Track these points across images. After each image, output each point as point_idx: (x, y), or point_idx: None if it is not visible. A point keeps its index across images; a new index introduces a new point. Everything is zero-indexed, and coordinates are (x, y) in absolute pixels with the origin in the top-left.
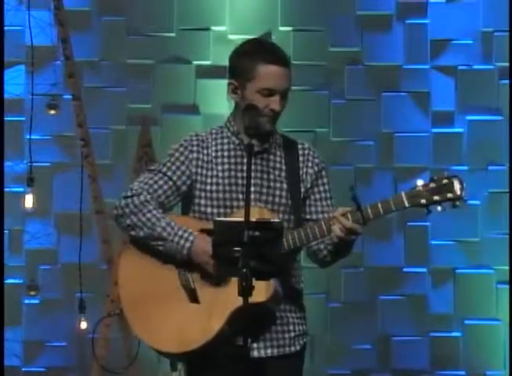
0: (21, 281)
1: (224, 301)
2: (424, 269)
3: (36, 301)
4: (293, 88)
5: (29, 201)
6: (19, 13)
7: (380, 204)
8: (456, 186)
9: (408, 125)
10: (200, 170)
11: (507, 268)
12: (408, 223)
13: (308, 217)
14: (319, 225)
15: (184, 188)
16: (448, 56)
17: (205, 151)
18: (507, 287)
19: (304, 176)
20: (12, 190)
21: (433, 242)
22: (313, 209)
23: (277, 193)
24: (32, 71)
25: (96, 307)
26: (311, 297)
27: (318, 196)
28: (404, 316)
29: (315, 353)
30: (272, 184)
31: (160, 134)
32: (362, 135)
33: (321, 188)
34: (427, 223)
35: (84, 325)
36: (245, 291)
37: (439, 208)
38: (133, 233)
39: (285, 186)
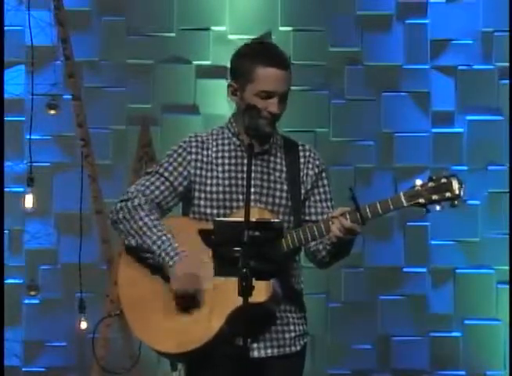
0: (21, 281)
1: (223, 301)
2: (424, 269)
3: (36, 301)
4: (293, 88)
5: (29, 201)
6: (19, 13)
7: (378, 204)
8: (455, 185)
9: (408, 125)
10: (199, 171)
11: (507, 268)
12: (408, 223)
13: (307, 218)
14: (317, 226)
15: (181, 189)
16: (448, 56)
17: (205, 152)
18: (507, 287)
19: (304, 178)
20: (12, 190)
21: (433, 242)
22: (313, 210)
23: (277, 194)
24: (32, 71)
25: (96, 307)
26: (312, 297)
27: (318, 197)
28: (404, 316)
29: (316, 353)
30: (272, 185)
31: (160, 134)
32: (362, 135)
33: (321, 189)
34: (427, 223)
35: (84, 325)
36: (245, 291)
37: (438, 208)
38: (126, 241)
39: (285, 187)
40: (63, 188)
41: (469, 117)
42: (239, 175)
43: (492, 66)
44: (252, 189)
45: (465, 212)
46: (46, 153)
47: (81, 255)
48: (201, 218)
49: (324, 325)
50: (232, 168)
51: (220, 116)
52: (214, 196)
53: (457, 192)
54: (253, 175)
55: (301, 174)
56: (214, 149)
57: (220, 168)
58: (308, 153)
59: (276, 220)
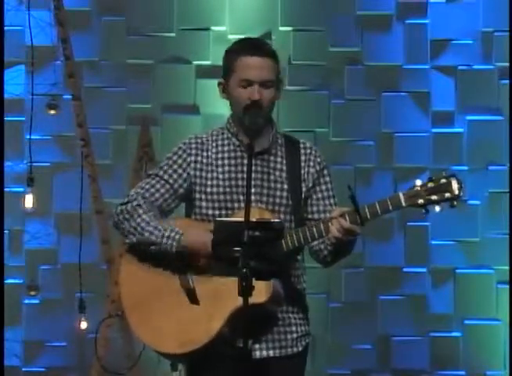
0: (21, 281)
1: (224, 301)
2: (424, 269)
3: (36, 301)
4: (293, 88)
5: (29, 201)
6: (19, 13)
7: (377, 204)
8: (454, 185)
9: (408, 125)
10: (199, 172)
11: (507, 268)
12: (408, 223)
13: (310, 216)
14: (317, 226)
15: (181, 191)
16: (448, 56)
17: (204, 153)
18: (507, 287)
19: (305, 176)
20: (12, 190)
21: (433, 242)
22: (315, 208)
23: (278, 193)
24: (32, 71)
25: (96, 307)
26: (312, 297)
27: (320, 195)
28: (404, 316)
29: (316, 353)
30: (272, 185)
31: (160, 134)
32: (362, 135)
33: (323, 187)
34: (427, 223)
35: (84, 325)
36: (245, 291)
37: (437, 208)
38: (127, 240)
39: (286, 186)
40: (63, 188)
41: (469, 117)
42: (240, 176)
43: (492, 66)
44: (252, 190)
45: (465, 212)
46: (46, 153)
47: (81, 255)
48: (203, 219)
49: (324, 325)
50: (232, 168)
51: (220, 116)
52: (215, 197)
53: (456, 192)
54: (253, 175)
55: (302, 172)
56: (214, 150)
57: (220, 169)
58: (308, 151)
59: (276, 220)
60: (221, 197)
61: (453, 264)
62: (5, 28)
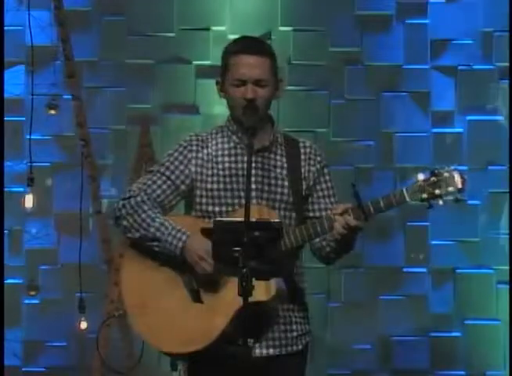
0: (21, 281)
1: (228, 300)
2: (424, 269)
3: (36, 301)
4: (293, 88)
5: (29, 201)
6: (19, 13)
7: (381, 200)
8: (457, 179)
9: (408, 125)
10: (199, 169)
11: (507, 268)
12: (408, 223)
13: (311, 215)
14: (320, 223)
15: (183, 187)
16: (448, 56)
17: (205, 151)
18: (507, 287)
19: (306, 174)
20: (12, 190)
21: (433, 242)
22: (316, 207)
23: (278, 190)
24: (32, 71)
25: (96, 307)
26: (312, 297)
27: (321, 193)
28: (404, 316)
29: (316, 353)
30: (273, 182)
31: (160, 134)
32: (362, 135)
33: (323, 185)
34: (427, 223)
35: (84, 325)
36: (245, 290)
37: (441, 202)
38: (129, 234)
39: (286, 183)
40: (63, 188)
41: (469, 117)
42: (240, 172)
43: (492, 66)
44: (253, 186)
45: (465, 212)
46: (46, 153)
47: (81, 255)
48: (203, 216)
49: (324, 325)
50: (233, 165)
51: (220, 116)
52: (215, 193)
53: (460, 186)
54: (253, 172)
55: (303, 170)
56: (214, 147)
57: (220, 166)
58: (308, 150)
59: (276, 220)
60: (222, 193)
61: (453, 264)
62: (5, 28)
